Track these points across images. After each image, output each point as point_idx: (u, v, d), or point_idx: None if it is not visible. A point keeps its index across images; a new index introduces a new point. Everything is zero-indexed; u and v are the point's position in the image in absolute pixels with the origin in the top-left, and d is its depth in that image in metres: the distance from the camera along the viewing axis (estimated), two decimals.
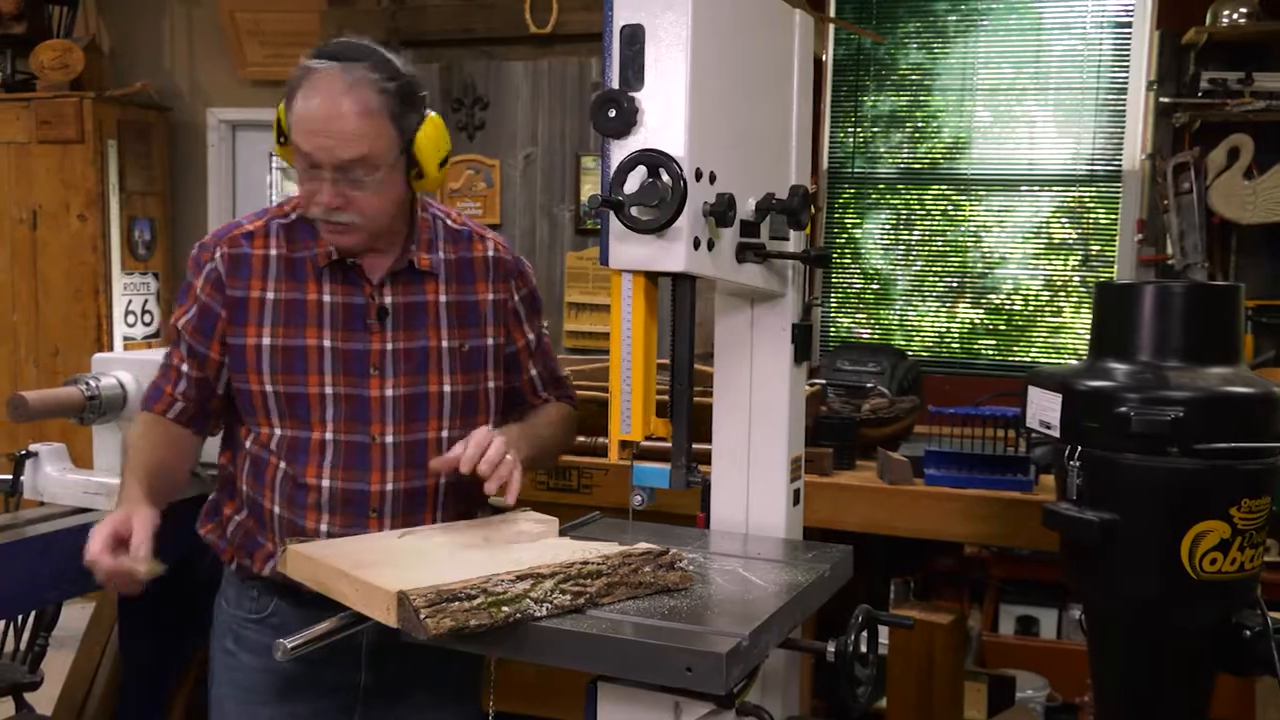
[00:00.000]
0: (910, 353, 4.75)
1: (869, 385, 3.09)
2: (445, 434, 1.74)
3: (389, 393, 1.69)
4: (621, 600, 1.36)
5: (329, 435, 1.67)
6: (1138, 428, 1.68)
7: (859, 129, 4.93)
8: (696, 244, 1.43)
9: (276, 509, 1.70)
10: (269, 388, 1.67)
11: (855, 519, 2.50)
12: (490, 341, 1.80)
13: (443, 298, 1.76)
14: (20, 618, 2.93)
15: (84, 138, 5.00)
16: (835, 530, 2.47)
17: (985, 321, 4.87)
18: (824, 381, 3.20)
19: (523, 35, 4.47)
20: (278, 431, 1.69)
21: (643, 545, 1.45)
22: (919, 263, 4.94)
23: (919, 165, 4.91)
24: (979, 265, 4.84)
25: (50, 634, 2.93)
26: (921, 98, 4.87)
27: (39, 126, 5.03)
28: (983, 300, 4.85)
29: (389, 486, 1.69)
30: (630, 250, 1.43)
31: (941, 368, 4.77)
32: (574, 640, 1.29)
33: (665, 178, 1.36)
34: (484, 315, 1.80)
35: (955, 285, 4.89)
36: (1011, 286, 4.82)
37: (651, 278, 1.47)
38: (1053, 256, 4.76)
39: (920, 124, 4.88)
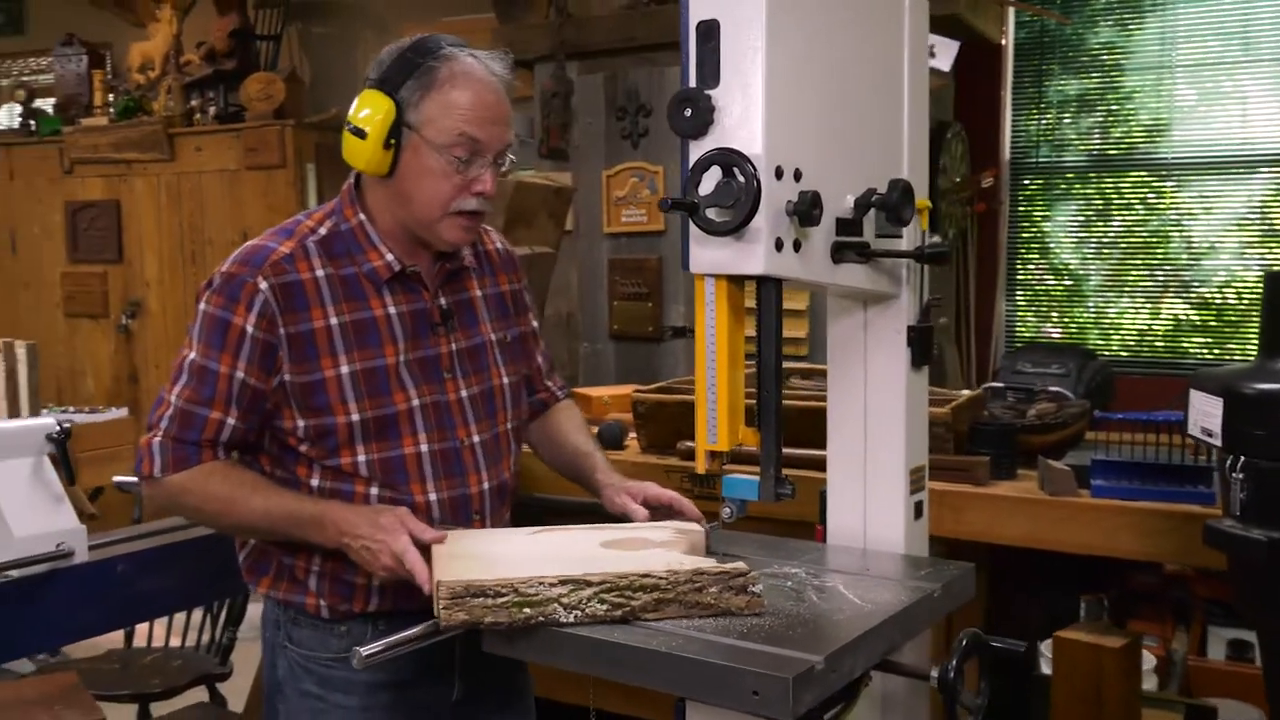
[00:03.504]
0: (1106, 353, 4.43)
1: (1038, 389, 2.89)
2: (509, 426, 1.75)
3: (464, 393, 1.69)
4: (673, 617, 1.31)
5: (423, 448, 1.63)
6: None
7: (1044, 115, 4.63)
8: (780, 245, 1.37)
9: None
10: (355, 416, 1.59)
11: (1014, 532, 2.33)
12: (521, 330, 1.83)
13: (478, 292, 1.75)
14: (215, 608, 3.13)
15: (285, 163, 5.37)
16: (993, 544, 2.32)
17: (1193, 318, 4.47)
18: (1001, 384, 3.03)
19: None
20: (362, 458, 1.60)
21: (713, 564, 1.39)
22: (1114, 256, 4.59)
23: (1113, 151, 4.57)
24: (1184, 257, 4.46)
25: (238, 627, 3.13)
26: (1114, 78, 4.53)
27: (246, 154, 5.43)
28: (1189, 295, 4.46)
29: (484, 486, 1.69)
30: (710, 254, 1.38)
31: (1143, 368, 4.43)
32: (658, 660, 1.25)
33: (740, 177, 1.31)
34: (509, 305, 1.81)
35: (1158, 279, 4.52)
36: (1223, 279, 4.41)
37: (736, 281, 1.42)
38: (1272, 244, 4.32)
39: (1113, 107, 4.54)
